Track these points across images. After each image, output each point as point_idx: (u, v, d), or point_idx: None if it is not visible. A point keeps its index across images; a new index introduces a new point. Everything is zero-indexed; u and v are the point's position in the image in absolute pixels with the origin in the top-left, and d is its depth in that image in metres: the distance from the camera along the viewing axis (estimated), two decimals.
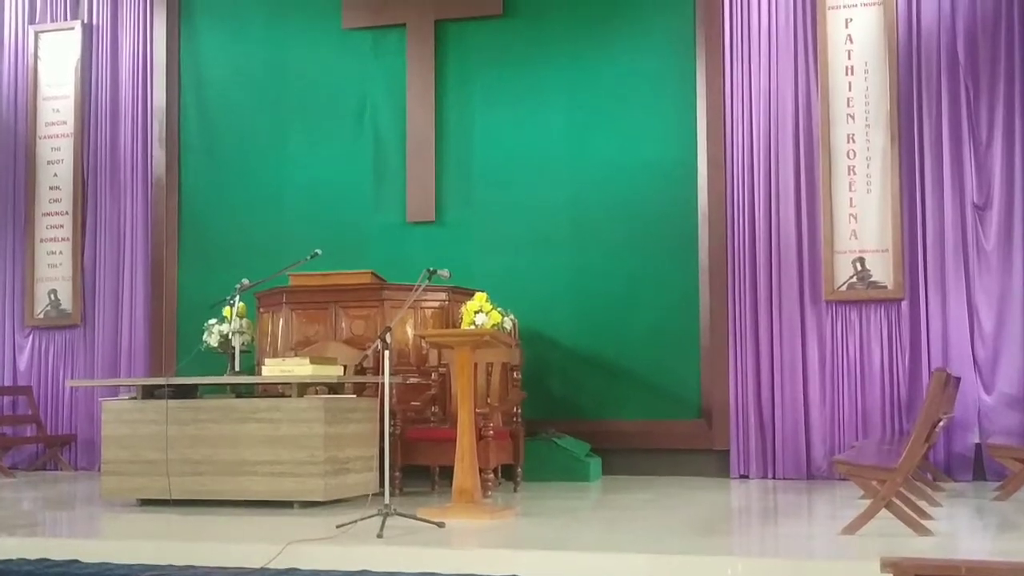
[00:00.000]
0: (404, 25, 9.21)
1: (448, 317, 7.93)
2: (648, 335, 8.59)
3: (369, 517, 5.59)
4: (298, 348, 7.76)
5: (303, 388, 6.63)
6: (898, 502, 5.45)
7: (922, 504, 5.94)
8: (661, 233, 8.62)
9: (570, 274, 8.81)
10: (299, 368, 6.63)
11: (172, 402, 6.70)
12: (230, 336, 7.47)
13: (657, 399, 8.54)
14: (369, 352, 6.40)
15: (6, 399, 9.75)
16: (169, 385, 6.78)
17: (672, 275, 8.58)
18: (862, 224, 8.08)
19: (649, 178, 8.67)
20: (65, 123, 9.94)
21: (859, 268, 8.08)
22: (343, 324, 7.85)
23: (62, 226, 9.85)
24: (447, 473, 6.72)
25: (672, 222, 8.59)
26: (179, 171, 9.76)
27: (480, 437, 6.81)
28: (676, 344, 8.53)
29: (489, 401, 7.38)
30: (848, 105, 8.17)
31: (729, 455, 8.21)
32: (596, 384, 8.67)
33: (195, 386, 6.96)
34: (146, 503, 6.77)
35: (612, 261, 8.72)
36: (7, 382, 9.85)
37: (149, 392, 6.89)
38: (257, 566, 4.89)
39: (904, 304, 7.99)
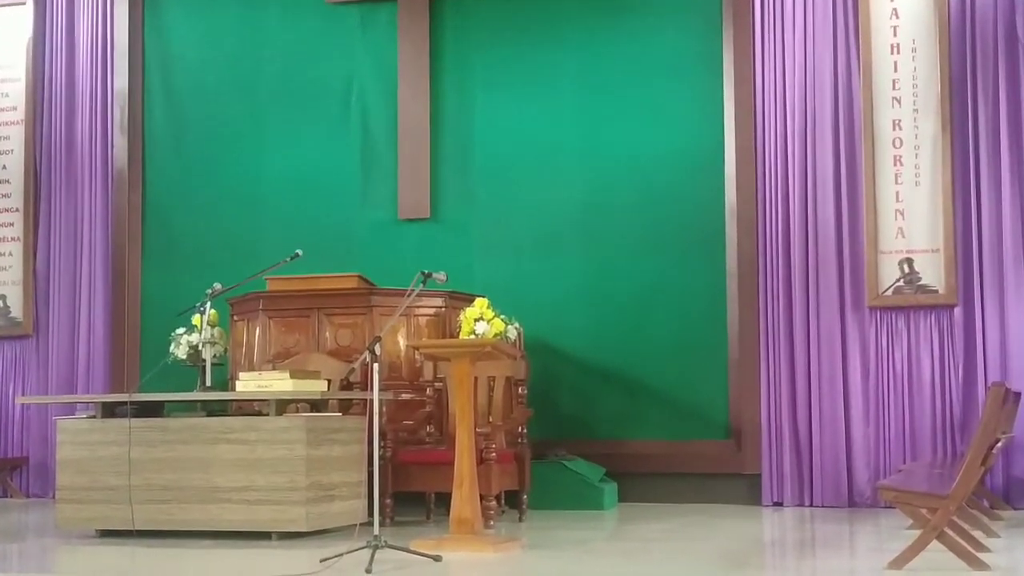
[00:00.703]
0: None
1: (445, 325, 7.93)
2: (670, 346, 8.60)
3: (357, 550, 5.57)
4: (276, 360, 7.75)
5: (282, 405, 6.63)
6: (951, 532, 5.42)
7: (978, 534, 5.93)
8: (684, 232, 8.62)
9: (582, 278, 8.81)
10: (277, 383, 6.63)
11: (135, 421, 6.69)
12: (200, 347, 7.48)
13: (680, 417, 8.54)
14: (356, 365, 6.39)
15: None
16: (132, 402, 6.78)
17: (696, 279, 8.58)
18: (910, 221, 8.09)
19: (671, 171, 8.67)
20: (15, 109, 9.94)
21: (906, 270, 8.08)
22: (327, 334, 7.84)
23: (12, 224, 9.85)
24: (444, 500, 6.70)
25: (697, 220, 8.59)
26: (143, 163, 9.75)
27: (481, 460, 6.81)
28: (701, 356, 8.53)
29: (491, 420, 7.38)
30: (894, 88, 8.17)
31: (761, 480, 8.21)
32: (611, 401, 8.67)
33: (161, 403, 6.95)
34: (106, 534, 6.75)
35: (629, 263, 8.73)
36: None
37: (110, 410, 6.88)
38: None
39: (957, 311, 7.99)
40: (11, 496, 9.56)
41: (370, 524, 5.82)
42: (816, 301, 8.18)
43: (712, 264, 8.53)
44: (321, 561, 5.52)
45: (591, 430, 8.65)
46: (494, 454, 6.98)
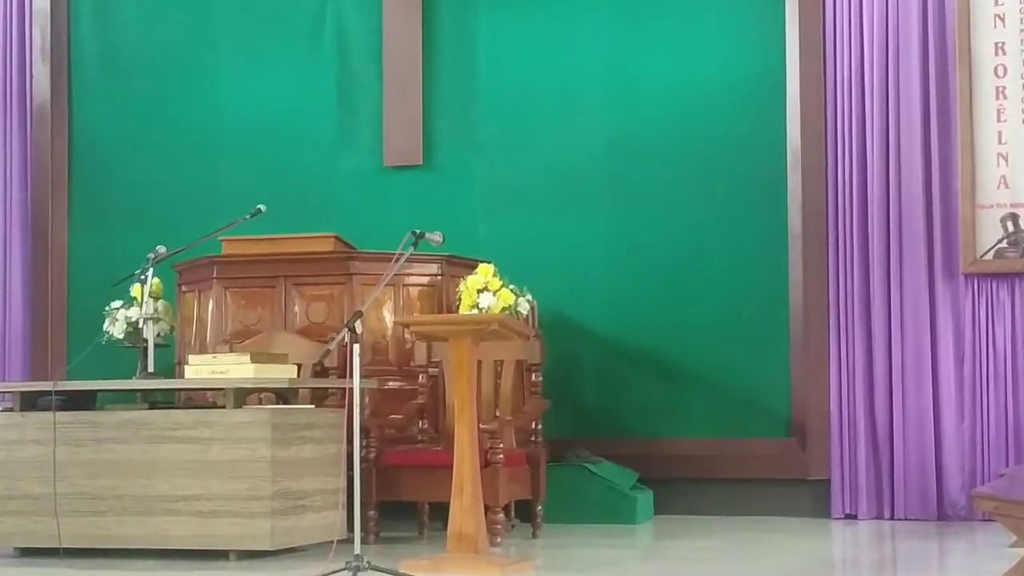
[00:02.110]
0: None
1: (441, 298, 7.94)
2: (717, 322, 8.60)
3: (334, 573, 5.59)
4: (234, 341, 7.77)
5: (241, 396, 6.64)
6: None
7: None
8: (736, 183, 8.62)
9: (609, 239, 8.81)
10: (236, 368, 6.65)
11: (62, 415, 6.69)
12: (141, 324, 7.48)
13: (730, 410, 8.56)
14: (332, 347, 6.35)
15: None
16: (58, 392, 6.78)
17: (751, 240, 8.58)
18: (1015, 168, 8.07)
19: (719, 107, 8.66)
20: None
21: (1010, 229, 8.07)
22: (296, 308, 7.86)
23: None
24: (441, 512, 6.72)
25: (751, 167, 8.59)
26: (69, 98, 9.75)
27: (486, 463, 6.82)
28: (757, 334, 8.54)
29: (498, 413, 7.39)
30: (996, 3, 8.14)
31: (830, 487, 8.22)
32: (646, 390, 8.68)
33: (93, 393, 6.95)
34: (27, 553, 6.78)
35: (667, 221, 8.73)
36: None
37: (30, 402, 6.90)
38: None
39: None
40: None
41: (350, 541, 5.84)
42: (899, 267, 8.18)
43: (770, 222, 8.53)
44: None
45: (621, 426, 8.68)
46: (502, 455, 6.99)
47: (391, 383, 7.68)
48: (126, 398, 7.31)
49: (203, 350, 7.88)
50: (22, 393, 6.96)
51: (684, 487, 8.46)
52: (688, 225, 8.70)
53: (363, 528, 6.20)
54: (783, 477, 8.36)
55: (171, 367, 8.31)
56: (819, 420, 8.29)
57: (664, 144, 8.76)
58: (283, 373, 6.82)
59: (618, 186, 8.84)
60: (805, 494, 8.33)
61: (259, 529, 6.40)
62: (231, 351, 7.36)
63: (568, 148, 8.91)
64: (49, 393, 6.78)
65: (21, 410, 6.88)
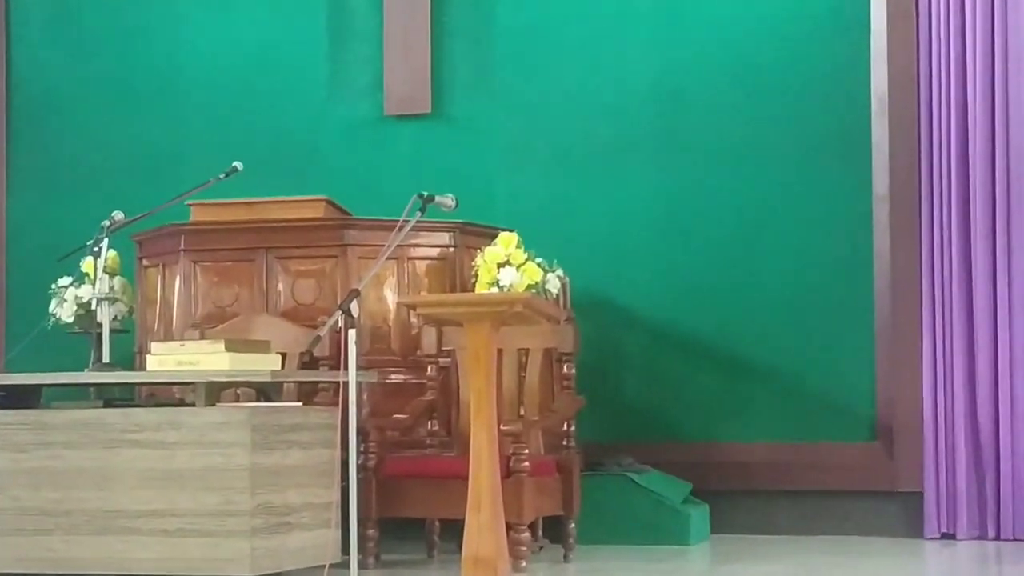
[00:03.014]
0: None
1: (454, 274, 7.94)
2: (786, 304, 8.63)
3: None
4: (206, 325, 7.77)
5: (215, 391, 6.62)
6: None
7: None
8: (809, 136, 8.64)
9: (656, 203, 8.83)
10: (208, 358, 6.62)
11: (1, 414, 6.70)
12: (94, 306, 7.46)
13: (802, 409, 8.59)
14: (324, 332, 6.35)
15: None
16: None
17: (827, 205, 8.59)
18: None
19: (788, 45, 8.68)
20: None
21: None
22: (280, 286, 7.86)
23: None
24: (454, 531, 6.66)
25: (828, 118, 8.60)
26: (7, 43, 9.80)
27: (509, 472, 6.80)
28: (834, 319, 8.56)
29: (523, 412, 7.37)
30: None
31: (923, 501, 8.22)
32: (701, 384, 8.71)
33: (37, 388, 6.95)
34: None
35: (725, 182, 8.74)
36: None
37: None
38: None
39: None
40: None
41: (345, 566, 5.84)
42: (1007, 240, 8.16)
43: (851, 183, 8.54)
44: None
45: (670, 428, 8.70)
46: (527, 463, 6.95)
47: (394, 376, 7.67)
48: (77, 394, 7.29)
49: (168, 337, 7.89)
50: None
51: (746, 501, 8.49)
52: (751, 187, 8.71)
53: (361, 550, 6.24)
54: (866, 489, 8.38)
55: (130, 357, 8.32)
56: (910, 421, 8.30)
57: (721, 89, 8.77)
58: (264, 364, 6.78)
59: (666, 139, 8.84)
60: (893, 509, 8.36)
61: (236, 551, 6.37)
62: (202, 337, 7.35)
63: (605, 93, 8.92)
64: None
65: None
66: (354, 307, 5.81)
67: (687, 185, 8.77)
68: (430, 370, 7.60)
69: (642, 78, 8.86)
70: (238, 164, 7.59)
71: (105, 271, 7.37)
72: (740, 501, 8.45)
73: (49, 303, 8.22)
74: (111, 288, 7.61)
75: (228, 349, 6.61)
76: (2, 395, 6.77)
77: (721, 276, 8.69)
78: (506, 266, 7.49)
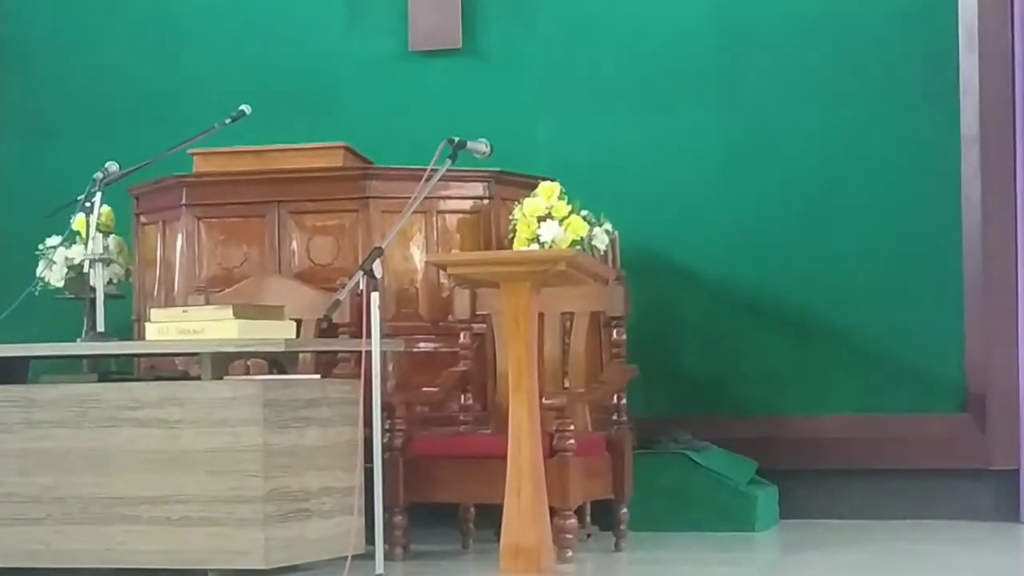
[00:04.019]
0: None
1: (489, 229, 7.96)
2: (865, 261, 8.64)
3: None
4: (211, 289, 7.78)
5: (222, 363, 6.65)
6: None
7: None
8: (889, 72, 8.65)
9: (717, 149, 8.85)
10: (214, 326, 6.64)
11: None
12: (86, 268, 7.44)
13: (882, 378, 8.59)
14: (343, 296, 6.39)
15: None
16: None
17: (910, 149, 8.61)
18: None
19: None
20: None
21: None
22: (294, 244, 7.89)
23: None
24: (491, 517, 6.76)
25: (910, 51, 8.62)
26: None
27: (552, 451, 6.82)
28: (918, 278, 8.58)
29: (567, 384, 7.38)
30: None
31: (1019, 479, 8.24)
32: (768, 351, 8.73)
33: (24, 360, 6.98)
34: None
35: (795, 125, 8.76)
36: None
37: None
38: None
39: None
40: None
41: (370, 557, 5.85)
42: None
43: (936, 123, 8.57)
44: None
45: (734, 400, 8.73)
46: (572, 441, 6.96)
47: (423, 344, 7.72)
48: (68, 367, 7.33)
49: (170, 302, 7.90)
50: None
51: (819, 481, 8.50)
52: (823, 130, 8.74)
53: (387, 540, 6.28)
54: (956, 467, 8.39)
55: (128, 325, 8.36)
56: (1004, 391, 8.31)
57: (791, 19, 8.79)
58: (277, 332, 6.78)
59: (729, 76, 8.87)
60: (986, 489, 8.38)
61: (249, 542, 6.38)
62: (207, 303, 7.35)
63: (660, 23, 8.93)
64: None
65: None
66: (377, 267, 5.82)
67: (752, 128, 8.80)
68: (463, 337, 7.61)
69: (702, 7, 8.87)
70: (246, 108, 7.58)
71: (98, 229, 7.38)
72: (812, 481, 8.46)
73: (36, 265, 8.26)
74: (105, 248, 7.70)
75: (236, 316, 6.61)
76: None
77: (790, 230, 8.71)
78: (547, 220, 7.52)
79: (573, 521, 6.99)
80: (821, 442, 8.52)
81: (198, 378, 6.62)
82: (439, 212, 7.89)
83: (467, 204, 7.96)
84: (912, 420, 8.49)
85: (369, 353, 5.86)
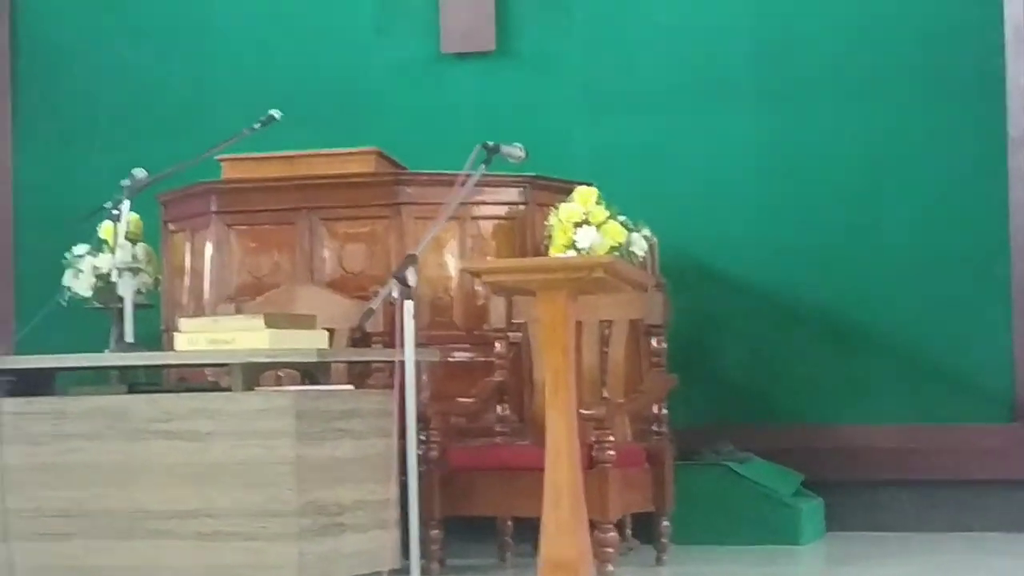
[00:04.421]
0: None
1: (525, 235, 7.95)
2: (910, 267, 8.64)
3: None
4: (242, 298, 7.80)
5: (254, 374, 6.64)
6: None
7: None
8: (935, 73, 8.64)
9: (758, 152, 8.87)
10: (245, 336, 6.63)
11: (9, 403, 6.73)
12: (114, 277, 7.43)
13: (930, 387, 8.59)
14: (376, 304, 6.36)
15: None
16: (2, 372, 6.82)
17: (956, 153, 8.60)
18: None
19: None
20: None
21: None
22: (325, 252, 7.91)
23: None
24: (529, 531, 6.70)
25: (957, 53, 8.61)
26: None
27: (591, 463, 6.80)
28: (965, 283, 8.57)
29: (606, 394, 7.38)
30: None
31: None
32: (813, 359, 8.74)
33: (51, 372, 6.98)
34: None
35: (838, 128, 8.77)
36: None
37: None
38: None
39: None
40: None
41: (406, 572, 5.85)
42: None
43: (983, 126, 8.57)
44: None
45: (778, 409, 8.74)
46: (612, 452, 6.93)
47: (458, 354, 7.72)
48: (96, 379, 7.32)
49: (199, 312, 7.93)
50: None
51: (866, 493, 8.51)
52: (867, 133, 8.74)
53: (423, 554, 6.23)
54: (1005, 477, 8.37)
55: (157, 335, 8.38)
56: None
57: (834, 20, 8.80)
58: (309, 342, 6.77)
59: (770, 77, 8.89)
60: None
61: (281, 556, 6.38)
62: (238, 312, 7.37)
63: (699, 22, 8.96)
64: None
65: None
66: (411, 275, 5.80)
67: (794, 130, 8.80)
68: (499, 346, 7.60)
69: (743, 4, 8.89)
70: (275, 112, 7.54)
71: (126, 237, 7.42)
72: (859, 493, 8.47)
73: (63, 275, 8.27)
74: (133, 257, 7.71)
75: (268, 325, 6.59)
76: (12, 380, 6.78)
77: (833, 234, 8.71)
78: (584, 225, 7.52)
79: (613, 534, 6.95)
80: (867, 452, 8.52)
81: (229, 389, 6.61)
82: (473, 218, 7.89)
83: (502, 210, 7.96)
84: (960, 430, 8.48)
85: (403, 363, 5.84)
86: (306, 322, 6.91)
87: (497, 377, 7.60)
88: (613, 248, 7.48)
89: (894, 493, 8.48)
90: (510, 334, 7.62)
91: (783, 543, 8.00)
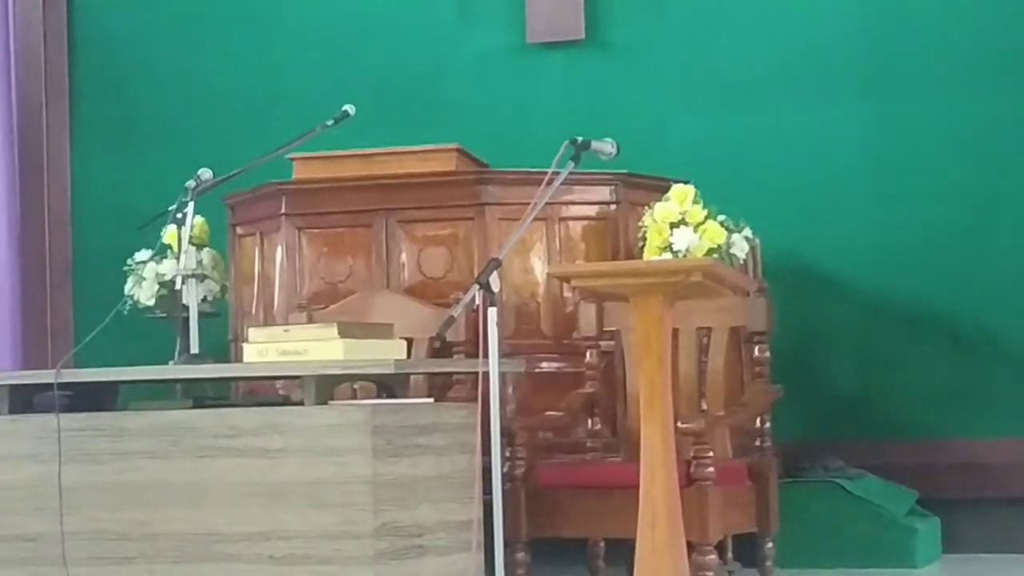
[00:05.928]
0: None
1: (617, 237, 7.96)
2: None
3: None
4: (314, 305, 7.84)
5: (327, 387, 6.64)
6: None
7: None
8: None
9: (870, 149, 8.87)
10: (318, 346, 6.66)
11: (69, 419, 6.76)
12: (179, 285, 7.45)
13: None
14: (458, 312, 6.33)
15: None
16: (62, 386, 6.81)
17: None
18: None
19: None
20: None
21: None
22: (403, 256, 7.94)
23: None
24: (623, 553, 6.75)
25: None
26: None
27: (690, 480, 6.78)
28: None
29: (705, 407, 7.38)
30: None
31: None
32: (929, 369, 8.72)
33: (114, 386, 7.02)
34: None
35: (954, 120, 8.76)
36: None
37: (24, 400, 6.97)
38: None
39: None
40: None
41: None
42: None
43: None
44: None
45: (891, 423, 8.71)
46: (712, 468, 6.89)
47: (545, 364, 7.74)
48: (160, 392, 7.40)
49: (270, 320, 7.99)
50: (11, 388, 6.99)
51: (985, 511, 8.48)
52: (986, 125, 8.73)
53: None
54: None
55: (224, 346, 8.45)
56: None
57: (944, 7, 8.78)
58: (386, 352, 6.78)
59: (877, 67, 8.89)
60: None
61: None
62: (310, 321, 7.40)
63: (801, 10, 8.95)
64: (50, 387, 6.81)
65: (11, 412, 6.92)
66: (494, 280, 5.80)
67: (905, 125, 8.79)
68: (589, 356, 7.58)
69: None
70: (349, 108, 7.52)
71: (191, 242, 7.41)
72: (977, 512, 8.45)
73: (125, 282, 8.35)
74: (199, 263, 7.79)
75: (342, 335, 6.61)
76: (71, 395, 6.80)
77: (947, 235, 8.70)
78: (681, 226, 7.50)
79: (713, 557, 6.89)
80: (986, 468, 8.50)
81: (301, 403, 6.61)
82: (561, 219, 7.91)
83: (592, 210, 7.98)
84: None
85: (487, 374, 5.85)
86: (383, 331, 6.92)
87: (587, 389, 7.58)
88: (712, 250, 7.48)
89: (1015, 512, 8.45)
90: (601, 343, 7.59)
91: (897, 566, 8.00)
